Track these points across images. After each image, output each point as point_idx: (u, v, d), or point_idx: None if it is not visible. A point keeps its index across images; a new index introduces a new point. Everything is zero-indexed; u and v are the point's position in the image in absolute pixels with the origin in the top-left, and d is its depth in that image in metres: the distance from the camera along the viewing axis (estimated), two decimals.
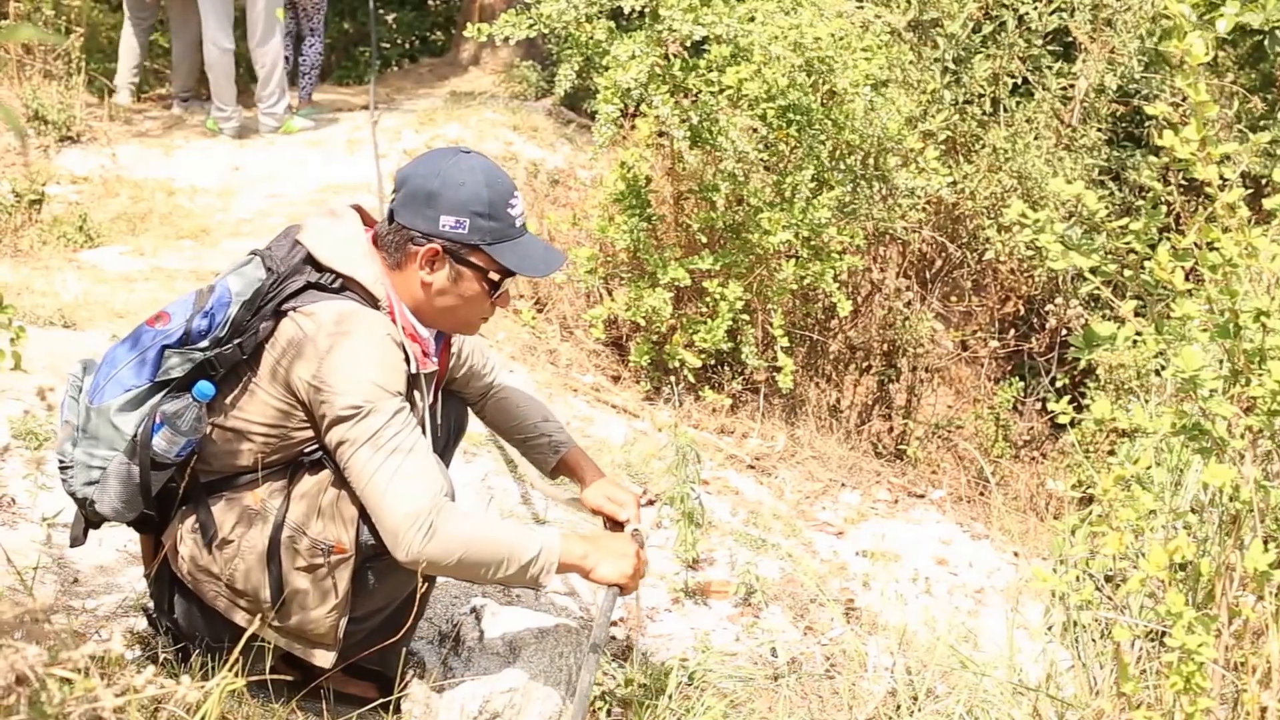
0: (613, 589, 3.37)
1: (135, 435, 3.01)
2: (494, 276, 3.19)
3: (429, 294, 3.17)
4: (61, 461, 3.12)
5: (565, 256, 3.40)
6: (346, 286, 3.10)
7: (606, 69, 6.18)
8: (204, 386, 3.02)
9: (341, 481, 3.09)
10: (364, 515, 3.09)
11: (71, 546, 3.25)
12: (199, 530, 3.12)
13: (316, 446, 3.11)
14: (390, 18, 13.81)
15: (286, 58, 10.31)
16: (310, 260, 3.11)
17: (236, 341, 3.04)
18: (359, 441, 2.97)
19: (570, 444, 3.72)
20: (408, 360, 3.10)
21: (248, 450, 3.11)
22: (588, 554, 3.24)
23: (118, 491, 3.04)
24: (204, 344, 3.04)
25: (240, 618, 3.14)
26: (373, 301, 3.11)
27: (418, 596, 3.28)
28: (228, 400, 3.08)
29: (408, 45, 14.02)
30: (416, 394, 3.17)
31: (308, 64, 10.47)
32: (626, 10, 6.12)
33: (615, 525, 3.61)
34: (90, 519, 3.18)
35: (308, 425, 3.08)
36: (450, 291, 3.18)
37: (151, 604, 3.34)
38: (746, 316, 6.55)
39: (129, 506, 3.06)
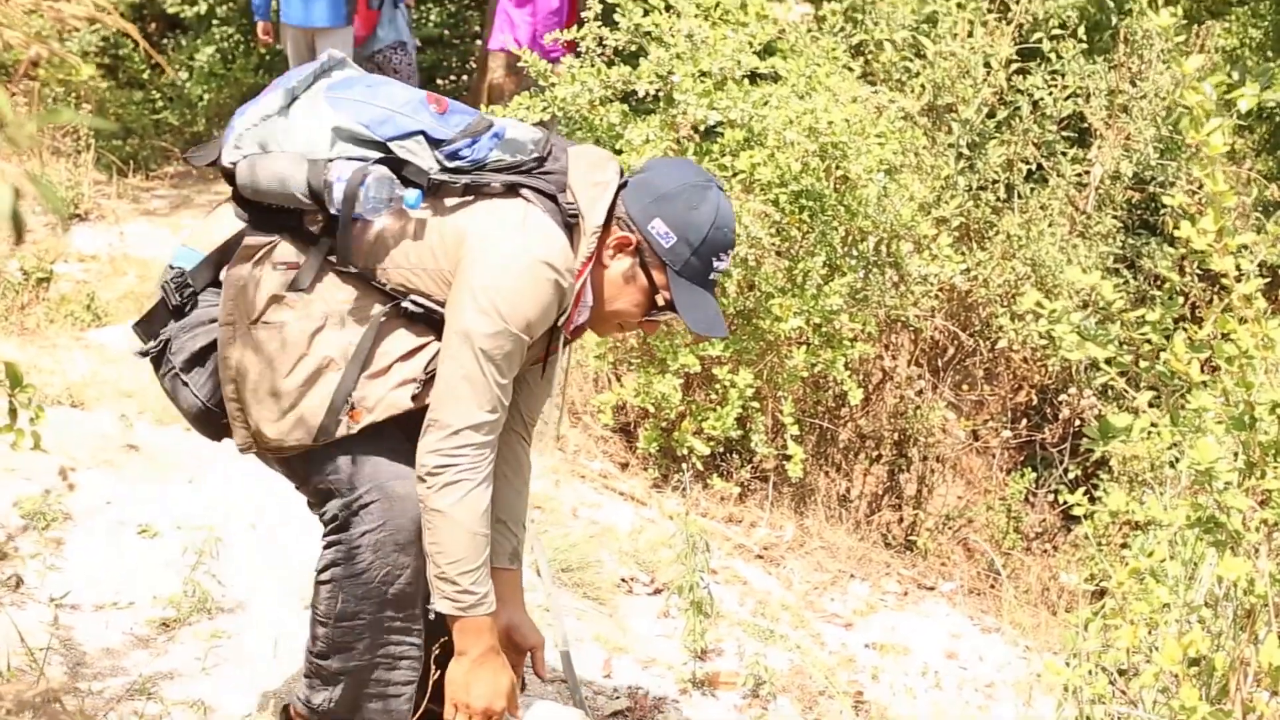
0: (566, 655, 3.43)
1: (346, 180, 2.94)
2: (660, 300, 3.15)
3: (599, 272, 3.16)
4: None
5: (728, 333, 3.34)
6: (576, 225, 3.07)
7: (620, 152, 6.19)
8: (414, 196, 2.98)
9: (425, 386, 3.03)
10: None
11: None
12: (287, 282, 3.03)
13: (423, 300, 3.05)
14: None
15: None
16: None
17: (467, 179, 3.02)
18: (472, 335, 2.92)
19: (517, 565, 3.45)
20: (560, 312, 3.07)
21: (378, 269, 3.05)
22: (476, 661, 3.07)
23: (281, 176, 2.97)
24: (443, 159, 3.03)
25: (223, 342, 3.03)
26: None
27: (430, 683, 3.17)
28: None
29: None
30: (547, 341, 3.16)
31: None
32: (640, 94, 6.15)
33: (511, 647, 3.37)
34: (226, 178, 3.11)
35: (434, 286, 3.03)
36: (616, 283, 3.15)
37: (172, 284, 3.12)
38: (756, 404, 6.52)
39: (266, 194, 3.01)
